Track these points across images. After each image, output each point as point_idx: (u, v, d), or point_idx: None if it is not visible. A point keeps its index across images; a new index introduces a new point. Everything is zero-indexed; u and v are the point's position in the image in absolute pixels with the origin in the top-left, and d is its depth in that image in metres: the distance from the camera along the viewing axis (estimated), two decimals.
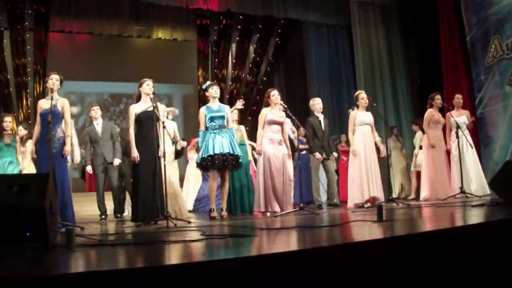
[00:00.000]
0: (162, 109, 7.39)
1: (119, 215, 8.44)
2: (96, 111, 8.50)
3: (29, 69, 12.12)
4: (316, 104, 9.16)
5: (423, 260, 3.16)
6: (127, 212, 9.15)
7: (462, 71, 11.20)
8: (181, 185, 10.62)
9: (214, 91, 7.41)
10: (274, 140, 7.44)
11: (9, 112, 10.60)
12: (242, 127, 8.68)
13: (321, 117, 9.10)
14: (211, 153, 7.06)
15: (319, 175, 9.24)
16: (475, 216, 4.77)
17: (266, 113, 7.51)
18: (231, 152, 7.14)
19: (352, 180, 8.06)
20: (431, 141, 8.84)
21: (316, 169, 9.10)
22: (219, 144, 7.09)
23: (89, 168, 8.42)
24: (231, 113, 8.00)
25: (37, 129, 6.39)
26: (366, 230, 4.06)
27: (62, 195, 6.02)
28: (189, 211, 9.72)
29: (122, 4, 12.59)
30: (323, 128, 9.00)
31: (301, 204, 7.26)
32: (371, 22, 12.81)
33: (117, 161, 8.31)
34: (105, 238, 4.66)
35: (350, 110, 8.75)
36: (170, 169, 7.28)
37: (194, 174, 10.98)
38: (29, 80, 12.12)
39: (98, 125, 8.44)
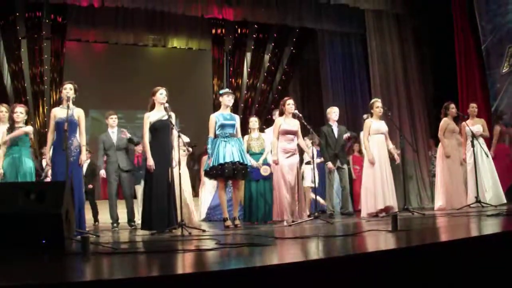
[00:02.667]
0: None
1: (132, 223, 8.46)
2: (114, 120, 8.58)
3: (45, 78, 12.24)
4: (332, 112, 9.10)
5: (437, 270, 3.14)
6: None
7: (477, 79, 11.11)
8: (197, 194, 10.62)
9: (228, 100, 7.33)
10: (288, 150, 7.48)
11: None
12: (265, 135, 8.63)
13: (334, 125, 9.05)
14: (221, 161, 6.97)
15: (333, 184, 9.14)
16: (491, 226, 4.74)
17: (280, 123, 7.55)
18: (241, 161, 7.08)
19: (366, 189, 8.02)
20: (446, 150, 8.78)
21: (330, 177, 9.03)
22: (230, 152, 7.02)
23: (102, 172, 8.49)
24: (252, 123, 8.44)
25: (50, 136, 6.47)
26: (380, 240, 4.04)
27: (78, 203, 6.10)
28: (202, 220, 9.73)
29: (137, 14, 12.68)
30: (336, 137, 8.96)
31: (316, 213, 7.23)
32: (385, 31, 12.75)
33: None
34: (120, 246, 4.68)
35: (365, 116, 8.74)
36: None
37: (210, 182, 10.93)
38: (46, 88, 12.24)
39: (114, 133, 8.52)
